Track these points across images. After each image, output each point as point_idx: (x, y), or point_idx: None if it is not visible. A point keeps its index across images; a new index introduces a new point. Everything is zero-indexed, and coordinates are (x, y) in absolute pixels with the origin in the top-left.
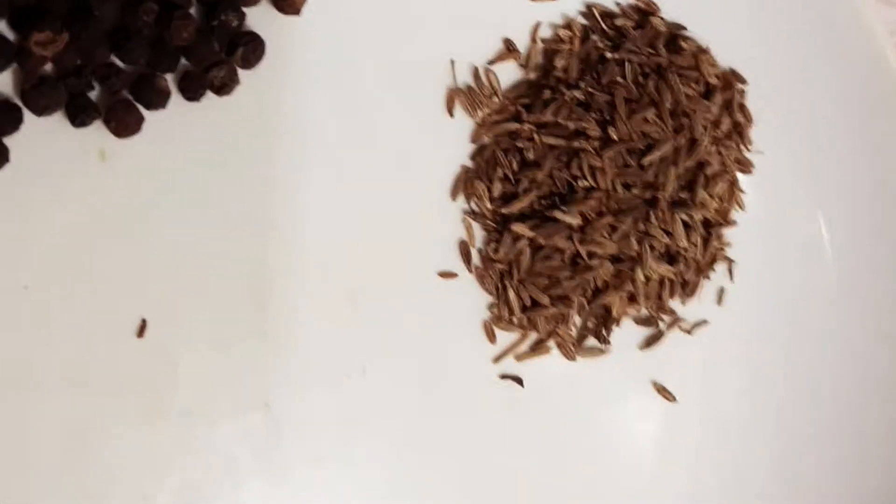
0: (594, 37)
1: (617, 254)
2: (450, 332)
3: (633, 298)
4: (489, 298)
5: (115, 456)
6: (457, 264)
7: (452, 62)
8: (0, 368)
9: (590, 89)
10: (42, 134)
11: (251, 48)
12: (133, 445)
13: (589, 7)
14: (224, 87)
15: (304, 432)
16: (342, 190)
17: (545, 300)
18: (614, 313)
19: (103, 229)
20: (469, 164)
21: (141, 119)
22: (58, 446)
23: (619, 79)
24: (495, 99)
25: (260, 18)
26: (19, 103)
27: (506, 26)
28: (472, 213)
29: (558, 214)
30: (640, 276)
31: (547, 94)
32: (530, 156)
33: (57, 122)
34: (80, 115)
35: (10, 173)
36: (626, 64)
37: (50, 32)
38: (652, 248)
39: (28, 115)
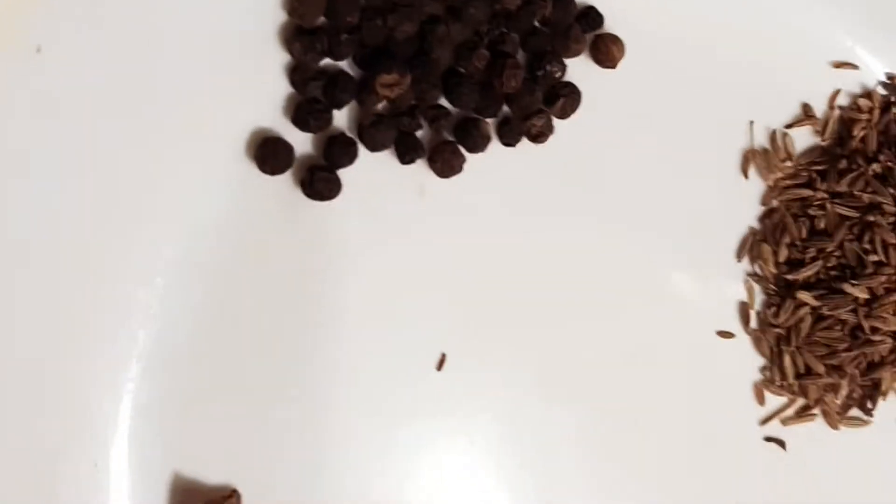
0: (895, 109)
1: None
2: (720, 389)
3: None
4: (762, 361)
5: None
6: (734, 325)
7: (751, 123)
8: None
9: (889, 163)
10: (370, 168)
11: (570, 100)
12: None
13: (890, 78)
14: (540, 135)
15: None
16: (634, 239)
17: (820, 369)
18: (883, 387)
19: (416, 262)
20: (757, 226)
21: (463, 161)
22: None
23: None
24: (789, 163)
25: (577, 69)
26: (355, 138)
27: (805, 91)
28: (756, 276)
29: (847, 287)
30: None
31: (843, 163)
32: (821, 224)
33: (385, 158)
34: (408, 154)
35: (338, 203)
36: None
37: (397, 75)
38: None
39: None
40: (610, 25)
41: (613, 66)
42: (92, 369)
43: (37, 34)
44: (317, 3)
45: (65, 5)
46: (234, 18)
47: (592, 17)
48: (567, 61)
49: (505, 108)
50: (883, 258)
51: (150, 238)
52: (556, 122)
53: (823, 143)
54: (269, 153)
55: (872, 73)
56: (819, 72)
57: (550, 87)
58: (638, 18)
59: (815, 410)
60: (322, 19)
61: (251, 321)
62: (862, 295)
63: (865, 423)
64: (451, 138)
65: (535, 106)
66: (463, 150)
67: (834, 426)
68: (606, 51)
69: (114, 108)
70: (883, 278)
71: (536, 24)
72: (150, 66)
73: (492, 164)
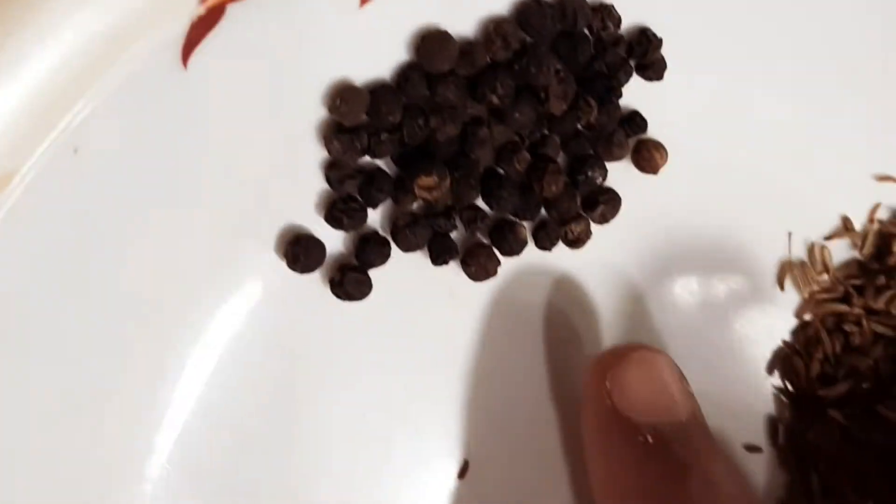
0: None
1: None
2: None
3: None
4: (788, 477)
5: None
6: (762, 439)
7: (789, 234)
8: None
9: None
10: (401, 267)
11: (610, 206)
12: None
13: None
14: (578, 241)
15: None
16: (666, 348)
17: (848, 491)
18: None
19: (444, 365)
20: (789, 339)
21: (497, 265)
22: None
23: None
24: (826, 276)
25: (617, 172)
26: (388, 238)
27: (845, 203)
28: (786, 390)
29: (881, 409)
30: None
31: (881, 279)
32: (856, 341)
33: (416, 257)
34: (442, 256)
35: (368, 304)
36: None
37: (436, 177)
38: None
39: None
40: (652, 130)
41: (655, 173)
42: (110, 472)
43: (75, 136)
44: (359, 103)
45: (105, 106)
46: (271, 113)
47: (637, 123)
48: (608, 165)
49: (542, 211)
50: None
51: (175, 336)
52: (593, 226)
53: (861, 258)
54: (300, 251)
55: None
56: (860, 184)
57: (590, 192)
58: (681, 125)
59: None
60: (362, 116)
61: (276, 420)
62: (895, 417)
63: None
64: (485, 240)
65: (574, 211)
66: (498, 254)
67: None
68: (649, 157)
69: (145, 206)
70: None
71: (579, 126)
72: (183, 160)
73: (526, 267)
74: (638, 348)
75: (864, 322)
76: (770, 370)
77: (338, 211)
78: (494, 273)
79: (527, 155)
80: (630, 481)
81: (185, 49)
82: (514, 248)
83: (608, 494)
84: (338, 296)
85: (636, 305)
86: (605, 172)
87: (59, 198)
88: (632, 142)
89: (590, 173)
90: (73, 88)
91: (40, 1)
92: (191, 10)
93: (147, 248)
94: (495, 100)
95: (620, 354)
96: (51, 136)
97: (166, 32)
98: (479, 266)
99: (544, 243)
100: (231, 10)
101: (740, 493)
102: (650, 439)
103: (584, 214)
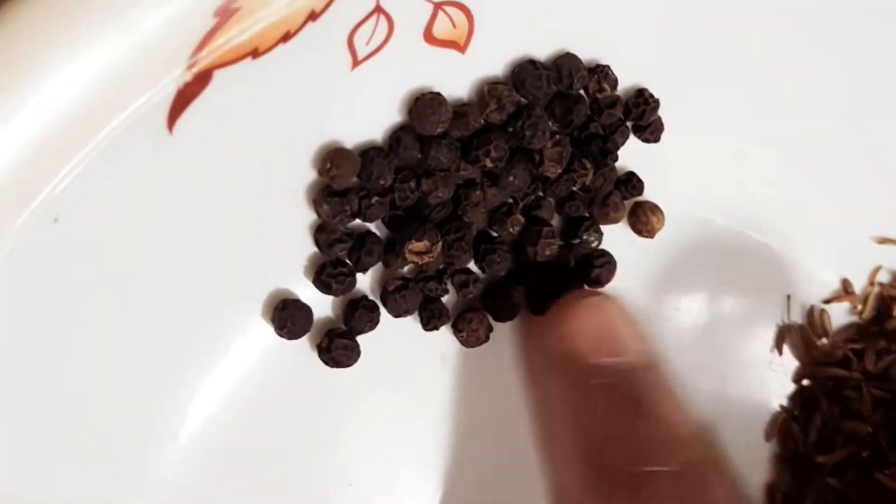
0: None
1: None
2: None
3: None
4: None
5: None
6: None
7: (788, 297)
8: None
9: None
10: (390, 332)
11: (606, 270)
12: None
13: None
14: None
15: None
16: None
17: None
18: None
19: (434, 434)
20: (787, 404)
21: (490, 330)
22: None
23: None
24: (825, 340)
25: (612, 233)
26: (378, 302)
27: (844, 265)
28: (784, 456)
29: (880, 477)
30: None
31: (881, 343)
32: (855, 406)
33: (406, 321)
34: (433, 321)
35: (356, 369)
36: None
37: (428, 242)
38: None
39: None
40: (648, 190)
41: (651, 237)
42: None
43: (55, 204)
44: (350, 166)
45: (87, 173)
46: (259, 176)
47: (633, 185)
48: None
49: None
50: None
51: (160, 404)
52: None
53: (861, 321)
54: (287, 317)
55: None
56: (860, 247)
57: (586, 256)
58: (677, 186)
59: None
60: (353, 179)
61: (261, 486)
62: (894, 486)
63: None
64: (478, 305)
65: (569, 274)
66: (490, 319)
67: None
68: (646, 220)
69: (129, 273)
70: None
71: (574, 188)
72: (167, 225)
73: (514, 330)
74: (589, 294)
75: (864, 387)
76: (768, 435)
77: (326, 276)
78: (486, 339)
79: (520, 218)
80: (579, 422)
81: (172, 114)
82: (506, 314)
83: (556, 437)
84: (325, 362)
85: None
86: (600, 236)
87: (38, 268)
88: (628, 203)
89: (585, 237)
90: (56, 157)
91: (23, 69)
92: (178, 77)
93: (132, 316)
94: (489, 163)
95: (571, 299)
96: (30, 207)
97: (152, 99)
98: (470, 333)
99: (538, 308)
100: (218, 75)
101: (690, 432)
102: (601, 380)
103: (578, 276)
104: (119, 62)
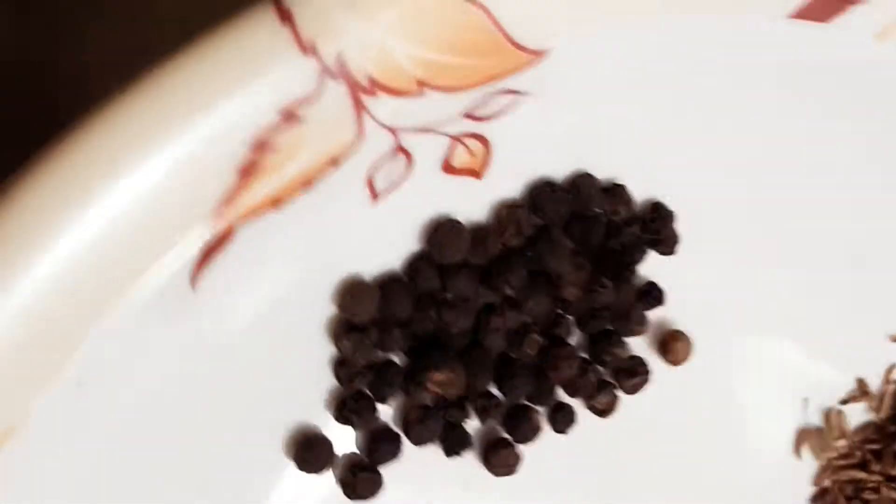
0: None
1: None
2: None
3: None
4: None
5: None
6: None
7: (806, 400)
8: None
9: None
10: (412, 460)
11: (640, 380)
12: None
13: None
14: (606, 411)
15: None
16: None
17: None
18: None
19: None
20: None
21: (518, 460)
22: None
23: None
24: (843, 441)
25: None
26: (399, 432)
27: (859, 365)
28: None
29: None
30: None
31: None
32: None
33: (427, 449)
34: (455, 448)
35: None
36: None
37: (450, 372)
38: None
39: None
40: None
41: (677, 365)
42: None
43: (78, 369)
44: (369, 301)
45: (109, 336)
46: (279, 316)
47: (654, 296)
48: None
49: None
50: None
51: None
52: None
53: (878, 420)
54: (308, 453)
55: None
56: (875, 344)
57: (620, 365)
58: (696, 297)
59: None
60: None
61: None
62: None
63: None
64: (503, 431)
65: (591, 390)
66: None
67: None
68: (672, 350)
69: (151, 432)
70: None
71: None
72: (189, 376)
73: (543, 451)
74: None
75: (883, 489)
76: None
77: (348, 411)
78: (516, 468)
79: (537, 338)
80: None
81: (195, 271)
82: (527, 436)
83: None
84: (349, 496)
85: (651, 482)
86: (626, 351)
87: (60, 435)
88: (653, 322)
89: (607, 358)
90: (78, 325)
91: (39, 238)
92: (201, 236)
93: (157, 473)
94: (509, 290)
95: None
96: (53, 379)
97: (178, 259)
98: (497, 459)
99: (560, 425)
100: (241, 228)
101: None
102: None
103: (612, 383)
104: (143, 224)
